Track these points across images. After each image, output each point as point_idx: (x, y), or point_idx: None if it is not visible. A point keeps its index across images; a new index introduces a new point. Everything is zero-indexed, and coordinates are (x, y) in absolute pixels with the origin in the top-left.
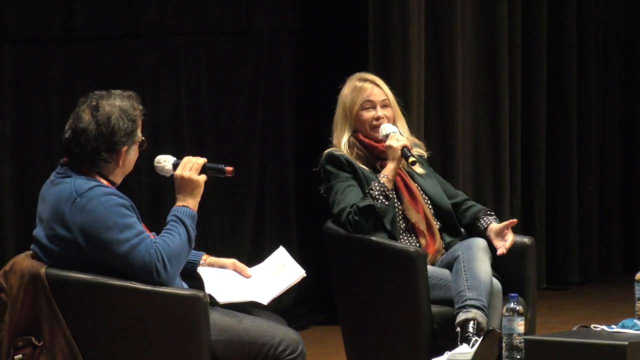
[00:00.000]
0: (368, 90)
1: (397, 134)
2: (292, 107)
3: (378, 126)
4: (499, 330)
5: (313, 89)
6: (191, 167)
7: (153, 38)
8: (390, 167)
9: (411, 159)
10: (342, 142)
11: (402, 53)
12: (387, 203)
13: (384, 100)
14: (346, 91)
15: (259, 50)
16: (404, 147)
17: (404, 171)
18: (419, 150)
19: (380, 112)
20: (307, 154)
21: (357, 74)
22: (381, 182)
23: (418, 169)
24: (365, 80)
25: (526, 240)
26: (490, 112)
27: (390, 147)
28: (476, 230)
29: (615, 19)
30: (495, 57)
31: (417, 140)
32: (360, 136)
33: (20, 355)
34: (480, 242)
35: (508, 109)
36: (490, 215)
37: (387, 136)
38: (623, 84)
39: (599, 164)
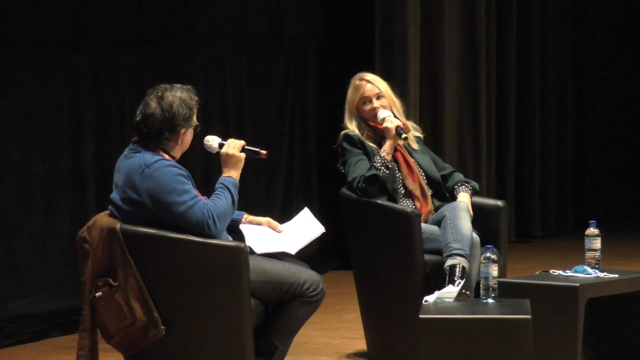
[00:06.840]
0: (363, 87)
1: (391, 116)
2: (314, 98)
3: (377, 114)
4: (468, 293)
5: (331, 84)
6: (234, 146)
7: (205, 42)
8: (387, 143)
9: (404, 136)
10: (352, 128)
11: (402, 56)
12: (387, 172)
13: (377, 93)
14: (349, 89)
15: (288, 52)
16: (397, 127)
17: (404, 149)
18: (416, 133)
19: (376, 103)
20: (326, 136)
21: (358, 74)
22: (382, 155)
23: (413, 143)
24: (361, 79)
25: (499, 203)
26: (471, 102)
27: (386, 128)
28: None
29: (571, 22)
30: (476, 60)
31: (415, 125)
32: (368, 121)
33: (100, 293)
34: (462, 205)
35: (485, 100)
36: (463, 184)
37: (383, 120)
38: (576, 77)
39: (556, 143)
